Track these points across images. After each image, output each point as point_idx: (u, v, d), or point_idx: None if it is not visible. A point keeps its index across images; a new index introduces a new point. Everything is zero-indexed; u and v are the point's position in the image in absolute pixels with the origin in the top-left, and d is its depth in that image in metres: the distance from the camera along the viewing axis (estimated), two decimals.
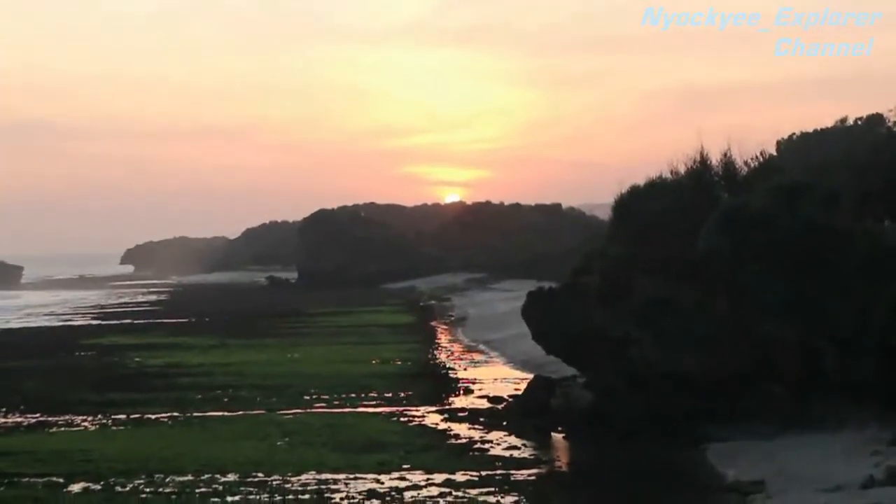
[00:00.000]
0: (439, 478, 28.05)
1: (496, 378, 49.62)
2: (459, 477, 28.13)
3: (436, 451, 31.82)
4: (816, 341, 31.84)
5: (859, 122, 71.74)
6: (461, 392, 44.90)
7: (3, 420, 40.19)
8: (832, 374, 31.45)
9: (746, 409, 32.46)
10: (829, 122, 75.96)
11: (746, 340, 32.71)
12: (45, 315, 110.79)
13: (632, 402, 33.60)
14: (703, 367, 32.80)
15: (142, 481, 28.46)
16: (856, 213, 33.76)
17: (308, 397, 43.51)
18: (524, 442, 33.46)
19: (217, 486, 27.72)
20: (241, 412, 40.25)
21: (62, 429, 37.84)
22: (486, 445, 32.87)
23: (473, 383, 47.52)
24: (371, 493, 26.51)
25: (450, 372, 52.12)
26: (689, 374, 32.96)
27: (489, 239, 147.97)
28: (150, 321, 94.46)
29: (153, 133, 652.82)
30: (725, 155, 38.27)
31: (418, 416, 38.54)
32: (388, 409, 40.30)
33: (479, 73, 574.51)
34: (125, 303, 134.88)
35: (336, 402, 42.15)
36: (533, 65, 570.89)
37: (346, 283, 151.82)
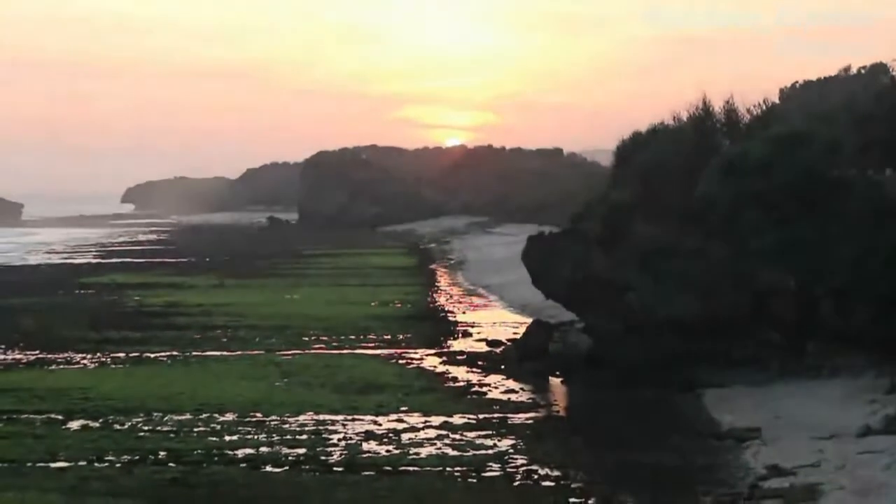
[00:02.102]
0: (437, 420, 28.20)
1: (495, 322, 49.71)
2: (457, 420, 28.27)
3: (434, 394, 31.96)
4: (814, 289, 31.90)
5: (862, 71, 71.52)
6: (460, 335, 45.01)
7: (2, 357, 40.32)
8: (829, 322, 31.55)
9: (743, 356, 32.58)
10: (832, 71, 75.78)
11: (744, 287, 32.77)
12: (45, 253, 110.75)
13: (629, 347, 33.68)
14: (700, 313, 32.85)
15: (140, 419, 28.61)
16: (857, 163, 33.71)
17: (307, 338, 43.62)
18: (522, 385, 33.59)
19: (215, 425, 27.86)
20: (239, 352, 40.37)
21: (61, 366, 37.96)
22: (484, 389, 33.00)
23: (472, 327, 47.62)
24: (369, 435, 26.65)
25: (448, 315, 52.21)
26: (687, 320, 33.00)
27: (490, 183, 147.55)
28: (150, 260, 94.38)
29: (153, 72, 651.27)
30: (728, 103, 38.21)
31: (417, 359, 38.66)
32: (386, 352, 40.40)
33: (481, 16, 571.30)
34: (125, 241, 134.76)
35: (335, 344, 42.26)
36: (538, 8, 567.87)
37: (347, 224, 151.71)
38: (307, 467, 23.93)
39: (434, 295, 62.29)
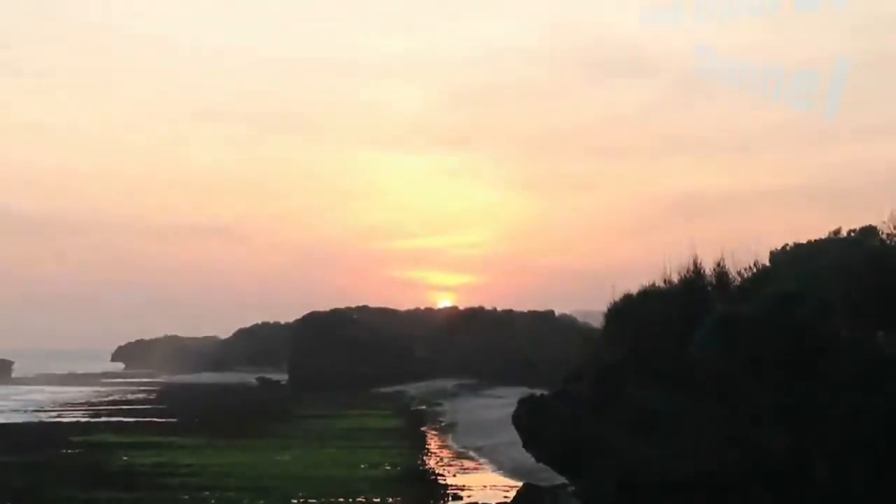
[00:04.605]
0: None
1: (485, 485, 49.35)
2: None
3: None
4: (807, 451, 31.67)
5: (852, 234, 71.95)
6: (450, 499, 44.64)
7: None
8: (823, 485, 31.25)
9: None
10: (822, 234, 76.18)
11: (738, 448, 32.54)
12: (34, 410, 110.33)
13: None
14: (694, 475, 32.57)
15: None
16: (848, 323, 33.74)
17: (295, 500, 43.27)
18: None
19: None
20: None
21: None
22: None
23: (462, 490, 47.25)
24: None
25: (439, 478, 51.84)
26: (681, 482, 32.70)
27: (481, 344, 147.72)
28: (140, 419, 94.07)
29: (144, 229, 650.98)
30: (719, 265, 38.36)
31: None
32: None
33: (472, 177, 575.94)
34: (115, 400, 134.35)
35: None
36: (527, 170, 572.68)
37: (337, 385, 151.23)
38: None
39: (424, 457, 61.98)
